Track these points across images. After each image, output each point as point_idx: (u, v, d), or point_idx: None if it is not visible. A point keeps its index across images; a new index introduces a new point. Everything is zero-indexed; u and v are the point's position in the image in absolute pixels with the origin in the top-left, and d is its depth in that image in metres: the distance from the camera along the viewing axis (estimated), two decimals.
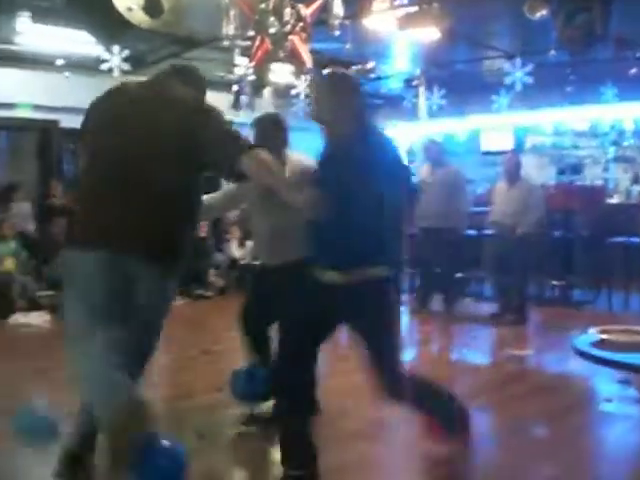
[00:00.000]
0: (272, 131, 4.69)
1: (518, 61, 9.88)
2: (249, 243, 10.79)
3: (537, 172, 12.86)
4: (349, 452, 4.07)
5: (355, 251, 3.41)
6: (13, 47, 9.53)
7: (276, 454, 3.98)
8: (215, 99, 11.77)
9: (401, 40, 9.34)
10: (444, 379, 5.55)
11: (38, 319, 8.21)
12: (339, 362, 5.92)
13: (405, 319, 8.87)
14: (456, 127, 13.73)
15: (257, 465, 4.00)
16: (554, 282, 9.35)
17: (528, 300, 8.36)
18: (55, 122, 11.67)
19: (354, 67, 11.02)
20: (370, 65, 10.99)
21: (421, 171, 9.04)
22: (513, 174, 8.30)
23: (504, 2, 8.05)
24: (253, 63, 7.13)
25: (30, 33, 8.73)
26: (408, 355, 6.82)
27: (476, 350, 7.14)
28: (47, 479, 3.47)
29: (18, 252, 9.43)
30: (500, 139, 13.51)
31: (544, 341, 7.53)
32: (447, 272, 8.77)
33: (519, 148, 13.20)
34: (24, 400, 4.95)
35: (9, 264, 9.07)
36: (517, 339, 7.31)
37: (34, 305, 8.80)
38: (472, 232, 8.97)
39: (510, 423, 4.66)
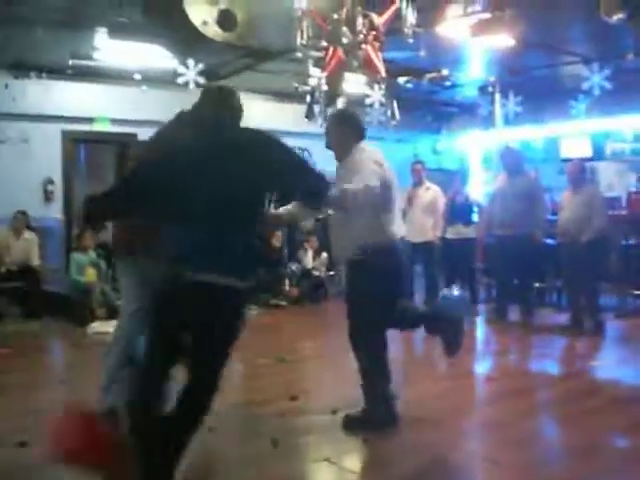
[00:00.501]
0: (335, 126, 4.89)
1: (596, 66, 9.68)
2: (324, 254, 10.81)
3: (617, 179, 12.57)
4: (425, 459, 4.03)
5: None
6: (91, 63, 9.76)
7: (349, 461, 4.00)
8: (289, 110, 11.94)
9: (475, 47, 9.25)
10: (521, 390, 5.48)
11: None
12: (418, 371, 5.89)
13: (482, 329, 8.78)
14: (533, 134, 13.52)
15: (329, 472, 3.99)
16: (636, 292, 9.10)
17: (601, 310, 8.15)
18: (133, 135, 11.91)
19: (428, 75, 10.98)
20: (444, 73, 10.91)
21: (497, 179, 8.91)
22: (577, 181, 8.14)
23: (579, 7, 7.88)
24: (326, 73, 7.15)
25: (107, 49, 8.91)
26: (485, 365, 6.76)
27: (553, 361, 7.00)
28: None
29: (98, 262, 9.64)
30: (578, 146, 13.24)
31: (623, 352, 7.33)
32: (524, 282, 8.63)
33: (598, 155, 12.93)
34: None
35: (90, 274, 9.28)
36: (595, 350, 7.14)
37: (113, 313, 8.97)
38: (550, 241, 8.79)
39: (587, 436, 4.54)
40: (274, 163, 3.43)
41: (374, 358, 4.55)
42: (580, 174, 8.16)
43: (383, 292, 4.45)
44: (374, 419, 4.46)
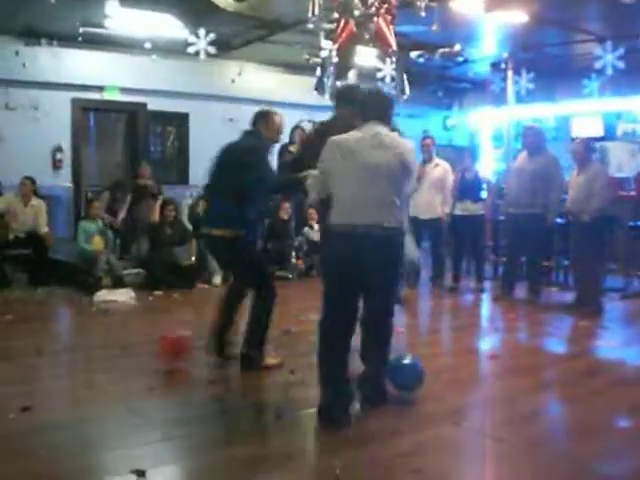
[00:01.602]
0: (339, 101, 5.15)
1: (609, 45, 9.59)
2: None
3: (627, 159, 12.51)
4: (425, 434, 4.05)
5: None
6: (102, 31, 9.73)
7: (349, 434, 4.02)
8: (299, 82, 11.86)
9: (488, 23, 9.18)
10: (524, 368, 5.48)
11: (124, 296, 8.37)
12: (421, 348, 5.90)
13: (488, 306, 8.78)
14: (544, 112, 13.45)
15: (332, 444, 4.01)
16: None
17: (602, 291, 8.12)
18: (143, 104, 11.90)
19: (440, 50, 10.89)
20: (457, 48, 10.83)
21: (518, 157, 8.82)
22: (583, 160, 8.05)
23: None
24: (337, 45, 7.11)
25: (118, 17, 8.90)
26: (489, 342, 6.76)
27: (558, 340, 7.00)
28: None
29: (105, 231, 9.66)
30: (590, 125, 13.17)
31: (628, 333, 7.32)
32: (533, 260, 8.60)
33: (609, 135, 12.87)
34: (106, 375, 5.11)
35: (97, 242, 9.29)
36: (600, 330, 7.13)
37: (119, 282, 9.01)
38: (560, 220, 8.75)
39: (590, 416, 4.55)
40: None
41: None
42: (585, 153, 8.06)
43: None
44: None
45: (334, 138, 4.37)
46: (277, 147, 10.38)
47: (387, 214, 4.22)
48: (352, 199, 4.23)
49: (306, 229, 10.79)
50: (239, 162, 5.35)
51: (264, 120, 5.54)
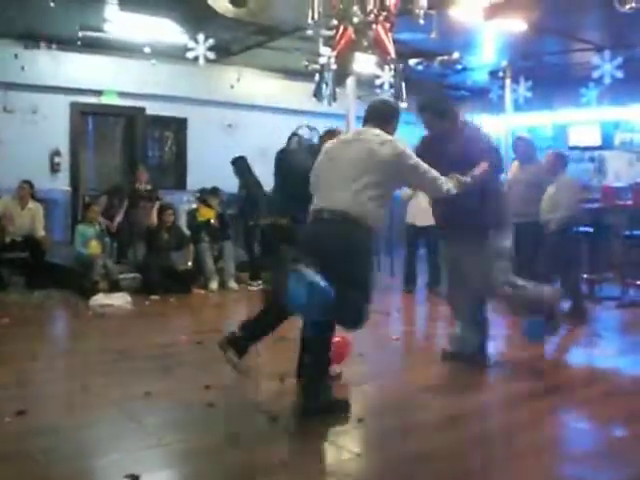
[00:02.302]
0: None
1: (607, 54, 9.62)
2: None
3: (625, 169, 12.54)
4: (426, 439, 4.05)
5: None
6: (101, 35, 9.75)
7: (348, 440, 4.02)
8: (298, 88, 11.87)
9: (487, 31, 9.20)
10: (517, 376, 5.48)
11: (120, 300, 8.38)
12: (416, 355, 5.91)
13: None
14: (542, 121, 13.48)
15: (327, 450, 4.01)
16: (638, 283, 9.07)
17: (582, 299, 8.15)
18: (141, 109, 11.91)
19: (439, 58, 10.92)
20: (455, 56, 10.86)
21: (511, 168, 8.86)
22: (553, 171, 8.13)
23: None
24: (335, 52, 7.10)
25: (118, 21, 8.92)
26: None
27: (555, 348, 6.99)
28: None
29: (102, 235, 9.66)
30: (587, 134, 13.20)
31: (623, 343, 7.32)
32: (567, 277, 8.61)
33: (607, 144, 12.90)
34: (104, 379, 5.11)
35: (94, 246, 9.29)
36: (596, 339, 7.12)
37: (115, 287, 9.00)
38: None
39: (586, 423, 4.55)
40: None
41: None
42: (556, 164, 8.15)
43: None
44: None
45: (327, 144, 4.69)
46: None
47: (345, 200, 4.31)
48: (317, 187, 4.53)
49: None
50: None
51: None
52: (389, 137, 4.51)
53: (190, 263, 9.72)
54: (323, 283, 4.02)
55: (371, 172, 4.35)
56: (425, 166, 4.57)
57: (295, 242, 4.97)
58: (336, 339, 5.00)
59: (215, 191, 10.37)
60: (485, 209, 5.41)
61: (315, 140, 6.20)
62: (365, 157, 4.38)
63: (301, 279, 4.07)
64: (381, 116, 4.68)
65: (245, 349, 4.68)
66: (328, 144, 4.69)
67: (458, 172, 5.11)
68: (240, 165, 10.81)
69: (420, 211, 8.92)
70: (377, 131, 4.51)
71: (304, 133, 9.79)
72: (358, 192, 4.30)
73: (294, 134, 10.58)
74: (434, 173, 4.62)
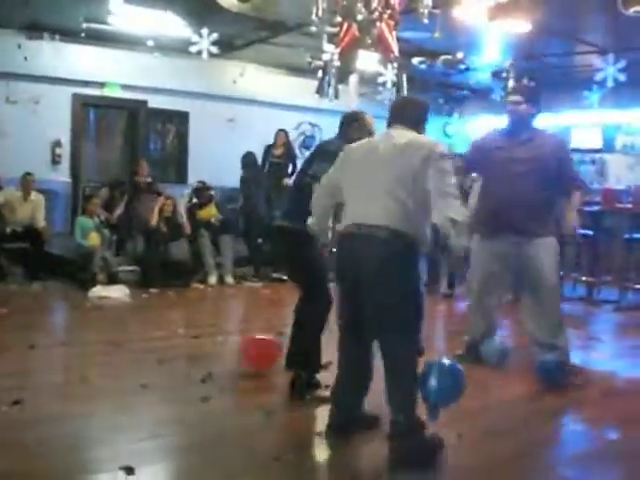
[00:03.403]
0: None
1: (611, 57, 9.61)
2: None
3: (626, 172, 12.54)
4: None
5: None
6: (105, 27, 9.73)
7: (342, 436, 4.03)
8: (301, 84, 11.84)
9: (491, 31, 9.18)
10: (512, 378, 5.48)
11: (118, 292, 8.39)
12: None
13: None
14: (544, 122, 13.45)
15: (321, 446, 4.02)
16: (637, 286, 9.08)
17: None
18: (143, 102, 11.90)
19: (442, 57, 10.91)
20: (459, 56, 10.85)
21: None
22: None
23: None
24: (339, 49, 7.11)
25: (122, 14, 8.89)
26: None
27: None
28: None
29: (102, 228, 9.66)
30: (589, 137, 13.20)
31: (620, 346, 7.34)
32: None
33: (608, 147, 12.89)
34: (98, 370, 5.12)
35: (93, 238, 9.28)
36: (593, 342, 7.14)
37: (114, 279, 9.01)
38: None
39: (581, 425, 4.57)
40: None
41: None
42: None
43: None
44: None
45: (348, 145, 4.26)
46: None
47: (387, 214, 3.78)
48: (355, 199, 3.98)
49: None
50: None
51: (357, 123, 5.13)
52: (426, 138, 4.05)
53: (187, 256, 9.70)
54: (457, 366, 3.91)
55: (413, 180, 3.82)
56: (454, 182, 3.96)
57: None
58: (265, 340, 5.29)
59: (202, 190, 10.43)
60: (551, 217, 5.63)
61: (317, 137, 6.15)
62: (404, 163, 3.85)
63: (444, 370, 3.84)
64: (412, 116, 4.18)
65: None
66: (351, 149, 4.21)
67: (531, 181, 5.37)
68: (244, 160, 10.87)
69: None
70: (410, 133, 4.02)
71: (306, 130, 9.81)
72: (401, 204, 3.79)
73: (280, 130, 10.67)
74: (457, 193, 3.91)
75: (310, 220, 4.41)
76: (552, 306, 5.57)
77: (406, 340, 3.78)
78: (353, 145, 4.22)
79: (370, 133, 4.98)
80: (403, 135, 3.99)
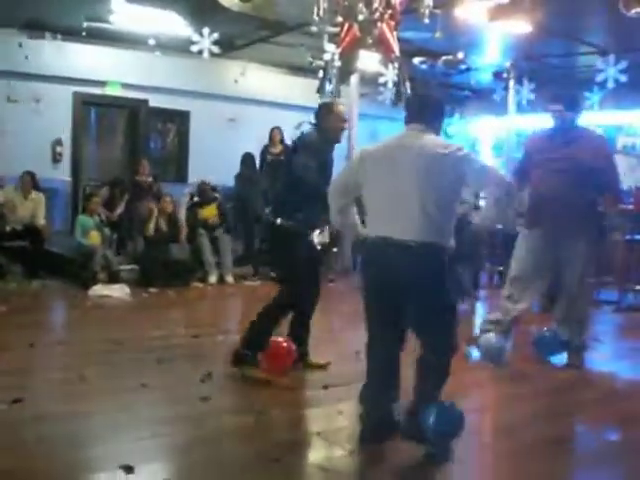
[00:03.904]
0: None
1: (611, 58, 9.61)
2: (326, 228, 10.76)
3: (627, 173, 12.52)
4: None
5: None
6: (106, 26, 9.73)
7: (340, 436, 4.03)
8: (302, 84, 11.82)
9: (491, 32, 9.19)
10: (512, 377, 5.48)
11: (119, 291, 8.40)
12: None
13: (481, 313, 8.78)
14: (545, 123, 13.46)
15: (318, 446, 4.02)
16: (637, 287, 9.08)
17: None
18: (144, 101, 11.90)
19: (443, 57, 10.92)
20: (459, 56, 10.86)
21: None
22: None
23: None
24: (340, 49, 7.11)
25: (123, 12, 8.91)
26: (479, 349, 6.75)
27: None
28: None
29: (102, 226, 9.66)
30: (600, 134, 13.19)
31: (620, 347, 7.34)
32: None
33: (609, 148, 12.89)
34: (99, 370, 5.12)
35: (94, 237, 9.28)
36: (592, 343, 7.13)
37: (115, 278, 9.01)
38: None
39: (580, 426, 4.57)
40: None
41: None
42: None
43: None
44: None
45: (366, 148, 4.21)
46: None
47: (418, 225, 3.78)
48: (381, 209, 3.94)
49: None
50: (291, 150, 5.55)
51: (323, 112, 5.32)
52: (448, 143, 4.00)
53: (187, 255, 9.70)
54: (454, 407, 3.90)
55: (442, 185, 3.81)
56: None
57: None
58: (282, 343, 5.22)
59: (204, 190, 10.45)
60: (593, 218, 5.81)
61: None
62: (433, 167, 3.81)
63: (443, 409, 3.83)
64: (430, 115, 4.10)
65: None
66: (369, 153, 4.09)
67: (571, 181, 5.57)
68: (243, 158, 10.92)
69: None
70: (430, 137, 3.96)
71: (307, 129, 9.79)
72: (431, 212, 3.77)
73: (275, 127, 10.75)
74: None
75: (332, 219, 4.40)
76: (579, 307, 5.87)
77: (447, 337, 3.90)
78: (370, 148, 4.15)
79: (343, 121, 5.29)
80: (424, 139, 3.93)
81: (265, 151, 11.28)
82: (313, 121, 5.36)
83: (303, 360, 5.36)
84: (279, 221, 5.16)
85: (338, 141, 5.37)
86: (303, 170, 5.07)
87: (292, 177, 5.18)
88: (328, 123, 5.23)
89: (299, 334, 5.36)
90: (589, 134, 6.10)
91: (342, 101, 7.08)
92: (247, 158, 11.03)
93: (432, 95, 4.55)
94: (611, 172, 5.86)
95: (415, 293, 3.80)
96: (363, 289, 4.04)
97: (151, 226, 9.62)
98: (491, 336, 5.88)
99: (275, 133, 11.29)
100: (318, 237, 9.23)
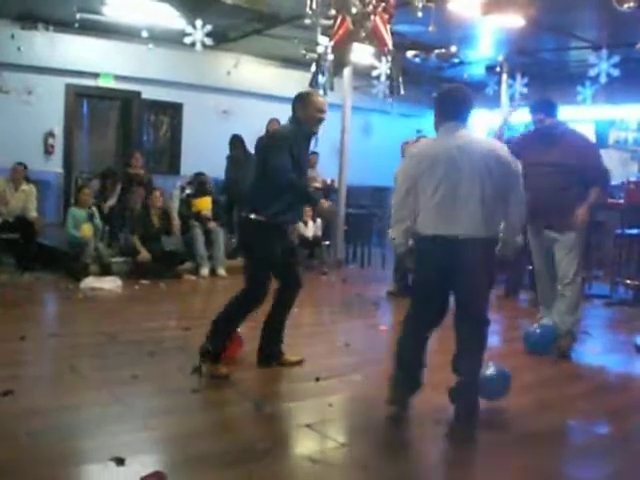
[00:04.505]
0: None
1: (604, 52, 9.63)
2: (318, 220, 10.75)
3: (619, 168, 12.56)
4: (411, 429, 4.07)
5: None
6: (99, 18, 9.72)
7: (331, 428, 4.04)
8: (295, 77, 11.85)
9: (485, 26, 9.20)
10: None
11: (110, 284, 8.38)
12: None
13: None
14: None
15: (310, 438, 4.03)
16: (628, 282, 9.11)
17: None
18: (137, 93, 11.88)
19: (436, 51, 10.93)
20: (452, 50, 10.87)
21: None
22: None
23: None
24: (333, 42, 7.12)
25: (116, 4, 8.90)
26: None
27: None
28: None
29: (94, 219, 9.63)
30: (582, 132, 13.20)
31: (611, 340, 7.36)
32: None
33: (601, 142, 12.90)
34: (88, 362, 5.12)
35: (85, 229, 9.26)
36: (583, 336, 7.16)
37: (106, 270, 8.99)
38: None
39: (569, 419, 4.59)
40: None
41: None
42: None
43: None
44: None
45: (414, 149, 4.29)
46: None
47: (480, 223, 4.09)
48: (444, 208, 4.09)
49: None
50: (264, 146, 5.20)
51: (299, 103, 5.14)
52: (495, 142, 4.37)
53: (179, 247, 9.69)
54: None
55: (498, 184, 4.13)
56: None
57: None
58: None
59: (202, 181, 10.43)
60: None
61: None
62: (491, 167, 4.10)
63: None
64: (468, 109, 4.39)
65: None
66: (421, 155, 4.25)
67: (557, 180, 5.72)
68: (231, 140, 10.96)
69: None
70: (475, 135, 4.26)
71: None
72: (491, 211, 4.13)
73: (272, 119, 10.74)
74: None
75: (394, 233, 4.32)
76: (568, 300, 5.97)
77: (486, 314, 4.28)
78: (423, 149, 4.29)
79: (320, 111, 5.08)
80: (477, 138, 4.29)
81: (259, 143, 11.21)
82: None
83: (278, 358, 5.27)
84: (252, 216, 4.98)
85: (315, 133, 5.15)
86: (278, 168, 4.89)
87: (264, 171, 4.99)
88: (304, 113, 5.06)
89: (272, 335, 5.27)
90: (572, 134, 6.21)
91: (334, 93, 7.12)
92: (236, 139, 11.05)
93: (463, 89, 4.59)
94: (598, 168, 5.97)
95: (469, 277, 4.14)
96: (419, 278, 4.38)
97: (152, 220, 9.60)
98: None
99: (273, 124, 11.24)
100: (308, 231, 9.26)
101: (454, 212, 4.06)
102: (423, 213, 4.16)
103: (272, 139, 5.21)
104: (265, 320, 5.30)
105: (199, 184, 10.51)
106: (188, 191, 10.70)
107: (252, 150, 5.71)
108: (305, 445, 3.98)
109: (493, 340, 6.78)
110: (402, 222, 4.24)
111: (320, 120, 5.11)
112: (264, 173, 4.99)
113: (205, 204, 10.15)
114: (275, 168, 4.89)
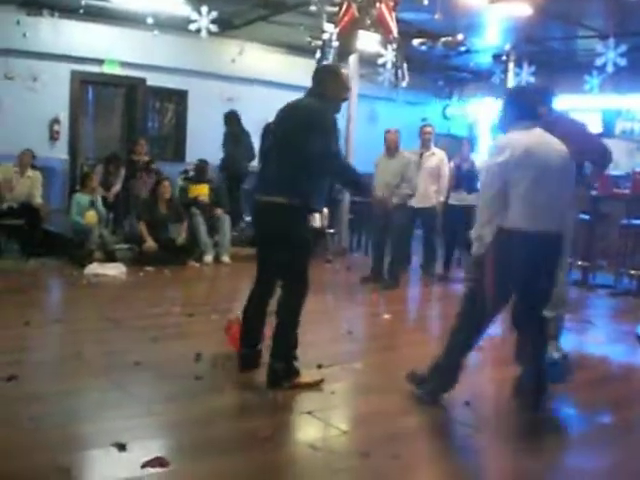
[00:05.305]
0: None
1: (611, 42, 9.58)
2: (325, 210, 10.72)
3: (626, 158, 12.52)
4: (412, 418, 4.08)
5: None
6: (105, 4, 9.70)
7: (333, 415, 4.05)
8: (301, 64, 11.82)
9: (492, 14, 9.16)
10: (509, 360, 5.50)
11: (114, 270, 8.38)
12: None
13: None
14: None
15: (312, 425, 4.04)
16: (632, 272, 9.09)
17: (401, 267, 8.90)
18: (142, 79, 11.87)
19: (443, 39, 10.88)
20: (459, 38, 10.82)
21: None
22: (392, 148, 8.73)
23: None
24: (338, 29, 7.10)
25: None
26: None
27: None
28: None
29: (98, 205, 9.63)
30: (589, 121, 13.15)
31: (615, 330, 7.36)
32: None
33: (607, 132, 12.86)
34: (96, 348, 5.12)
35: (90, 216, 9.26)
36: (587, 326, 7.16)
37: (111, 257, 9.00)
38: None
39: (572, 409, 4.59)
40: None
41: None
42: (395, 142, 8.76)
43: None
44: None
45: (508, 143, 4.19)
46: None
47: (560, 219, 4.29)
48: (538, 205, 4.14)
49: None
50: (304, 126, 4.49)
51: (328, 78, 4.64)
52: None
53: (184, 235, 9.66)
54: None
55: (569, 184, 4.38)
56: None
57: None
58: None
59: (203, 168, 10.40)
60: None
61: None
62: (567, 167, 4.31)
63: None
64: (537, 109, 4.47)
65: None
66: (511, 149, 4.12)
67: None
68: (226, 118, 10.97)
69: (418, 192, 8.89)
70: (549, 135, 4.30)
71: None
72: (566, 207, 4.41)
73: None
74: None
75: (480, 230, 4.32)
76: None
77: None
78: (512, 144, 4.15)
79: (348, 89, 4.82)
80: (545, 136, 4.25)
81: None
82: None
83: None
84: (283, 200, 4.43)
85: (339, 111, 4.70)
86: (327, 152, 4.42)
87: (299, 154, 4.42)
88: (334, 89, 4.57)
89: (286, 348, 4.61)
90: (565, 120, 6.09)
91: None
92: (231, 115, 11.07)
93: (535, 89, 5.02)
94: (596, 150, 5.81)
95: (553, 271, 4.38)
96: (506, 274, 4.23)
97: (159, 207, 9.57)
98: None
99: None
100: (317, 221, 9.24)
101: (547, 207, 4.16)
102: (515, 208, 4.12)
103: (312, 117, 4.49)
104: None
105: (198, 171, 10.48)
106: (191, 174, 10.67)
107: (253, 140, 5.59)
108: (307, 432, 3.99)
109: (495, 330, 6.79)
110: (493, 221, 4.20)
111: (345, 100, 4.78)
112: (298, 156, 4.41)
113: (202, 189, 10.11)
114: (323, 153, 4.39)
